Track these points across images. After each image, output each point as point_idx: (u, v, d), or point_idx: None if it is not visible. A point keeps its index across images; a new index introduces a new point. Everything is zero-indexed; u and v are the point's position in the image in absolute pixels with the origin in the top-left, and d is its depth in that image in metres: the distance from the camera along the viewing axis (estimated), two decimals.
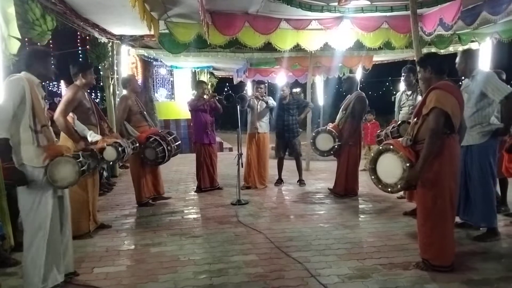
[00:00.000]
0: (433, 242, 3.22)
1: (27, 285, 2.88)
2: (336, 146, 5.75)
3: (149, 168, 5.46)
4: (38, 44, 4.65)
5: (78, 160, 3.10)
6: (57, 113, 3.94)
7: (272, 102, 6.53)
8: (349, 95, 5.94)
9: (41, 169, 2.89)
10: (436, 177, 3.15)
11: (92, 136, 4.03)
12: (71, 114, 4.06)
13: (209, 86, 6.67)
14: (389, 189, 3.40)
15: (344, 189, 5.91)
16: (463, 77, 4.18)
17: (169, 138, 5.40)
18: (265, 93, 6.72)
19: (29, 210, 2.88)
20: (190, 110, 6.36)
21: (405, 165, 3.18)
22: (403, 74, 5.30)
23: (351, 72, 10.87)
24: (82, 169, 3.11)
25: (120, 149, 4.18)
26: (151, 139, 5.18)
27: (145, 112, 5.50)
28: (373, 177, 3.49)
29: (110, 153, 4.13)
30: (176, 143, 5.57)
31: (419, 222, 3.36)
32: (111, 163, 4.37)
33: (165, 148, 5.22)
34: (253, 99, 6.54)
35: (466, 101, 3.81)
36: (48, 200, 2.93)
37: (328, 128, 5.98)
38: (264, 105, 6.49)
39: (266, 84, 7.46)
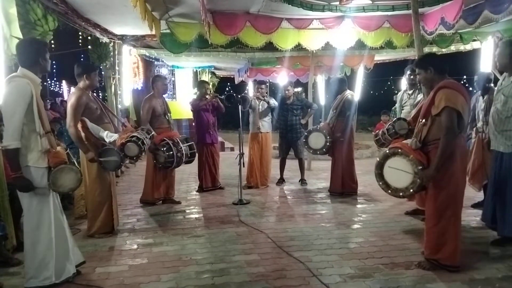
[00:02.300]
0: (446, 242, 3.18)
1: (40, 281, 2.94)
2: (328, 144, 5.82)
3: (164, 170, 5.41)
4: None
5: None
6: (68, 123, 4.01)
7: (273, 102, 6.54)
8: (339, 95, 5.99)
9: (45, 169, 2.92)
10: (450, 177, 3.12)
11: (109, 137, 4.03)
12: (84, 118, 4.03)
13: (210, 86, 6.66)
14: (401, 194, 3.33)
15: (341, 187, 5.94)
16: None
17: (181, 145, 5.25)
18: (267, 93, 6.73)
19: (35, 210, 2.91)
20: (192, 110, 6.36)
21: (416, 168, 3.13)
22: (407, 73, 5.31)
23: (352, 71, 10.88)
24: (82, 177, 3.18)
25: (139, 142, 4.22)
26: (163, 142, 5.15)
27: (169, 114, 5.50)
28: (381, 183, 3.39)
29: (131, 149, 4.21)
30: (191, 151, 5.46)
31: (430, 223, 3.27)
32: (134, 158, 4.37)
33: (175, 154, 5.14)
34: (254, 100, 6.54)
35: (502, 103, 3.63)
36: (50, 199, 2.99)
37: (319, 127, 6.09)
38: (266, 105, 6.50)
39: (267, 84, 7.43)
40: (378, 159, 3.43)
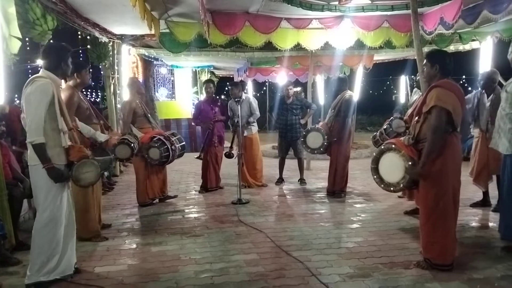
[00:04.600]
0: (435, 241, 3.21)
1: (42, 275, 2.97)
2: (325, 143, 5.81)
3: (155, 169, 5.43)
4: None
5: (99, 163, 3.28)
6: None
7: (255, 116, 6.58)
8: (339, 95, 5.95)
9: (64, 166, 3.04)
10: (439, 175, 3.14)
11: (101, 137, 4.03)
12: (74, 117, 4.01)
13: (212, 85, 6.62)
14: (392, 188, 3.41)
15: (332, 186, 5.94)
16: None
17: (173, 139, 5.39)
18: (245, 92, 6.64)
19: (52, 205, 2.97)
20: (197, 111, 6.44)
21: (407, 163, 3.19)
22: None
23: (351, 71, 10.89)
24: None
25: (131, 145, 4.22)
26: (155, 139, 5.19)
27: (149, 114, 5.52)
28: (375, 176, 3.48)
29: (124, 151, 4.15)
30: (181, 144, 5.56)
31: (421, 221, 3.34)
32: (124, 160, 4.37)
33: (169, 147, 5.22)
34: (234, 103, 6.36)
35: (504, 100, 3.62)
36: (65, 195, 3.09)
37: (317, 126, 6.07)
38: (246, 108, 6.48)
39: (241, 84, 7.17)
40: (374, 154, 3.52)
